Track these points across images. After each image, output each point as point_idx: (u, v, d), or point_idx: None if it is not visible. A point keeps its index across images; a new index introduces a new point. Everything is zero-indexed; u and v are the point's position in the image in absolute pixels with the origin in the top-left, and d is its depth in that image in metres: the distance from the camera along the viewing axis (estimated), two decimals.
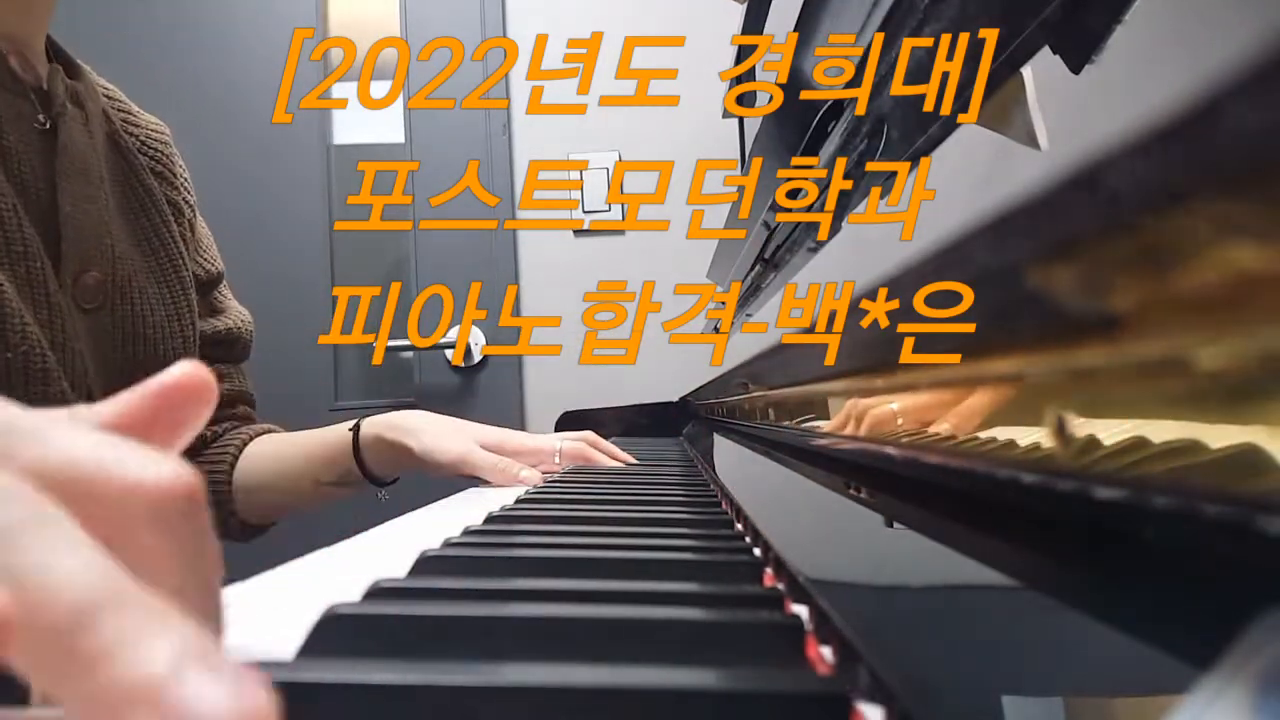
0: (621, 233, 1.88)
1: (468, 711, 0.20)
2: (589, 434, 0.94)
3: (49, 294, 0.63)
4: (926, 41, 0.39)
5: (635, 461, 0.93)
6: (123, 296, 0.72)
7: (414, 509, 0.64)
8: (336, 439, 0.84)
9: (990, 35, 0.29)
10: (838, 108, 0.54)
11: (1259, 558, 0.13)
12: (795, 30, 0.56)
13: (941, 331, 0.23)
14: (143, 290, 0.74)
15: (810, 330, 0.37)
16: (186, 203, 0.84)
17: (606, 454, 0.92)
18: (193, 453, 0.82)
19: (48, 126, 0.67)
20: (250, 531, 0.87)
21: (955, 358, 0.24)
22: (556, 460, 0.87)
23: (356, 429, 0.85)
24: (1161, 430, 0.14)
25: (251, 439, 0.87)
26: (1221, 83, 0.10)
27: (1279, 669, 0.11)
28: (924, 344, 0.26)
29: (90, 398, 0.64)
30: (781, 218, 0.70)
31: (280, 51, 1.90)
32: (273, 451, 0.85)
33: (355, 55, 1.96)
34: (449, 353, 1.86)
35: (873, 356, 0.33)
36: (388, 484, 0.87)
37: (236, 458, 0.84)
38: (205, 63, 1.87)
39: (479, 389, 1.86)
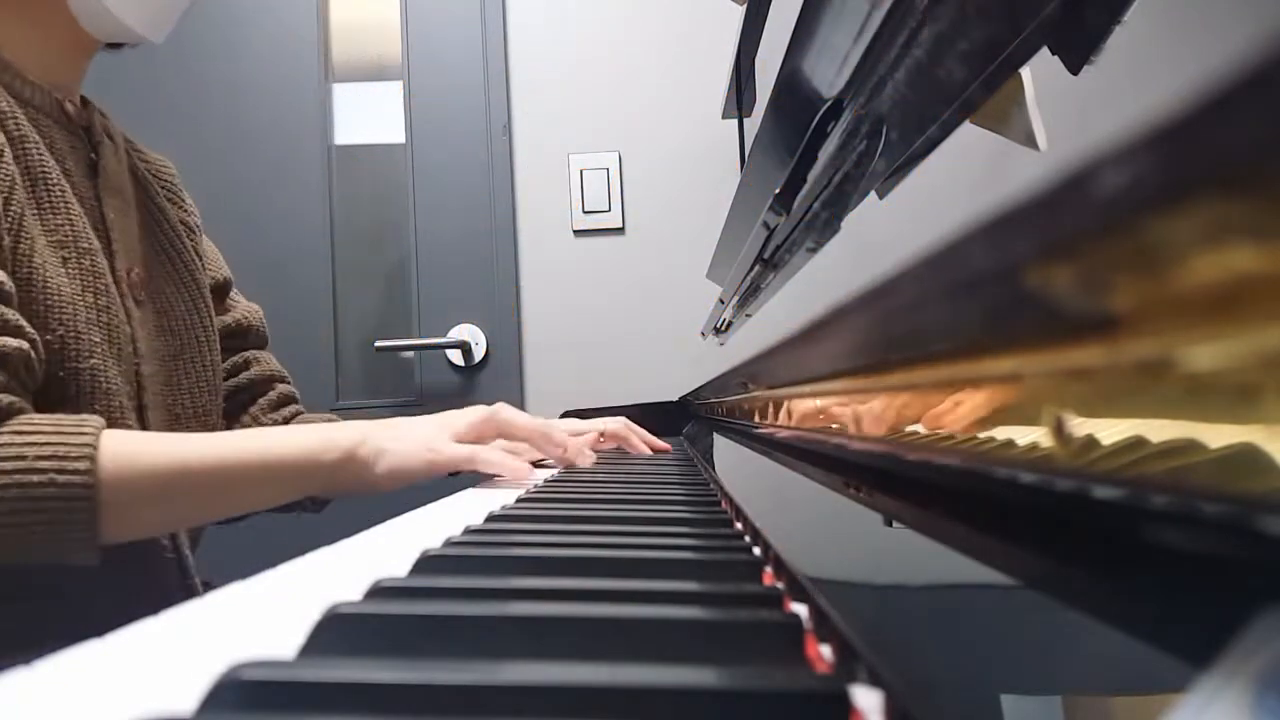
0: (621, 232, 1.88)
1: (469, 710, 0.20)
2: (624, 419, 1.13)
3: (107, 286, 0.78)
4: (926, 42, 0.39)
5: (667, 448, 1.11)
6: (150, 296, 0.87)
7: (414, 509, 0.64)
8: None
9: (990, 36, 0.30)
10: (837, 108, 0.54)
11: (1258, 557, 0.13)
12: (795, 30, 0.56)
13: (940, 331, 0.23)
14: (162, 292, 0.89)
15: (810, 330, 0.37)
16: (195, 226, 1.00)
17: (641, 439, 1.10)
18: None
19: (93, 156, 0.84)
20: (320, 504, 1.02)
21: (955, 357, 0.24)
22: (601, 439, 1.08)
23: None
24: (1160, 430, 0.14)
25: None
26: (1220, 83, 0.10)
27: (1278, 669, 0.11)
28: (923, 344, 0.26)
29: (138, 374, 0.81)
30: (781, 218, 0.70)
31: (281, 52, 1.90)
32: None
33: (356, 56, 1.96)
34: (449, 353, 1.87)
35: (872, 356, 0.33)
36: None
37: None
38: (206, 63, 1.87)
39: (479, 389, 1.86)
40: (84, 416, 0.66)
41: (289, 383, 1.07)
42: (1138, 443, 0.15)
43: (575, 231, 1.88)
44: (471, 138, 1.89)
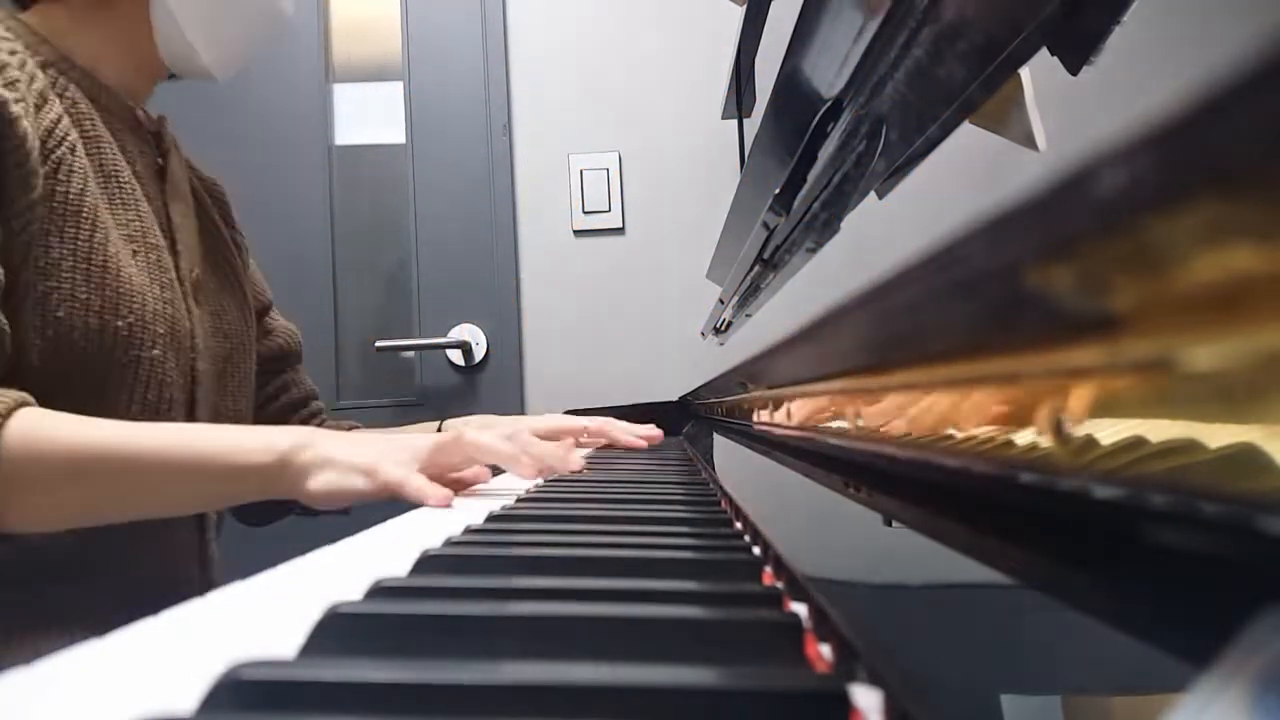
0: (621, 232, 1.88)
1: (469, 710, 0.20)
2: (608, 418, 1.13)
3: (172, 281, 0.81)
4: (925, 42, 0.39)
5: (656, 435, 1.11)
6: (207, 299, 0.90)
7: (415, 509, 0.64)
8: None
9: (989, 36, 0.30)
10: (836, 108, 0.54)
11: (1258, 557, 0.13)
12: (795, 30, 0.56)
13: (940, 332, 0.23)
14: (217, 296, 0.92)
15: (810, 330, 0.37)
16: (245, 247, 1.06)
17: (626, 430, 1.10)
18: None
19: (160, 162, 0.88)
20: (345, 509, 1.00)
21: (955, 358, 0.24)
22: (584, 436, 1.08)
23: (440, 428, 1.06)
24: (1160, 430, 0.14)
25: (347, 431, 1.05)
26: (1220, 83, 0.10)
27: (1278, 669, 0.11)
28: (923, 344, 0.26)
29: (194, 369, 0.83)
30: (781, 218, 0.70)
31: (281, 52, 1.90)
32: None
33: (356, 56, 1.96)
34: (450, 352, 1.87)
35: (872, 356, 0.33)
36: None
37: None
38: None
39: (479, 389, 1.86)
40: (6, 390, 0.63)
41: (318, 398, 1.12)
42: (1137, 443, 0.15)
43: (575, 231, 1.88)
44: (471, 138, 1.89)
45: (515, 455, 0.76)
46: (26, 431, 0.62)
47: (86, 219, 0.73)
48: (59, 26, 0.81)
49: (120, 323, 0.74)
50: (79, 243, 0.72)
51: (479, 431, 0.76)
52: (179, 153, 0.93)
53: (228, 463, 0.67)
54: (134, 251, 0.78)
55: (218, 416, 0.89)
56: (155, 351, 0.76)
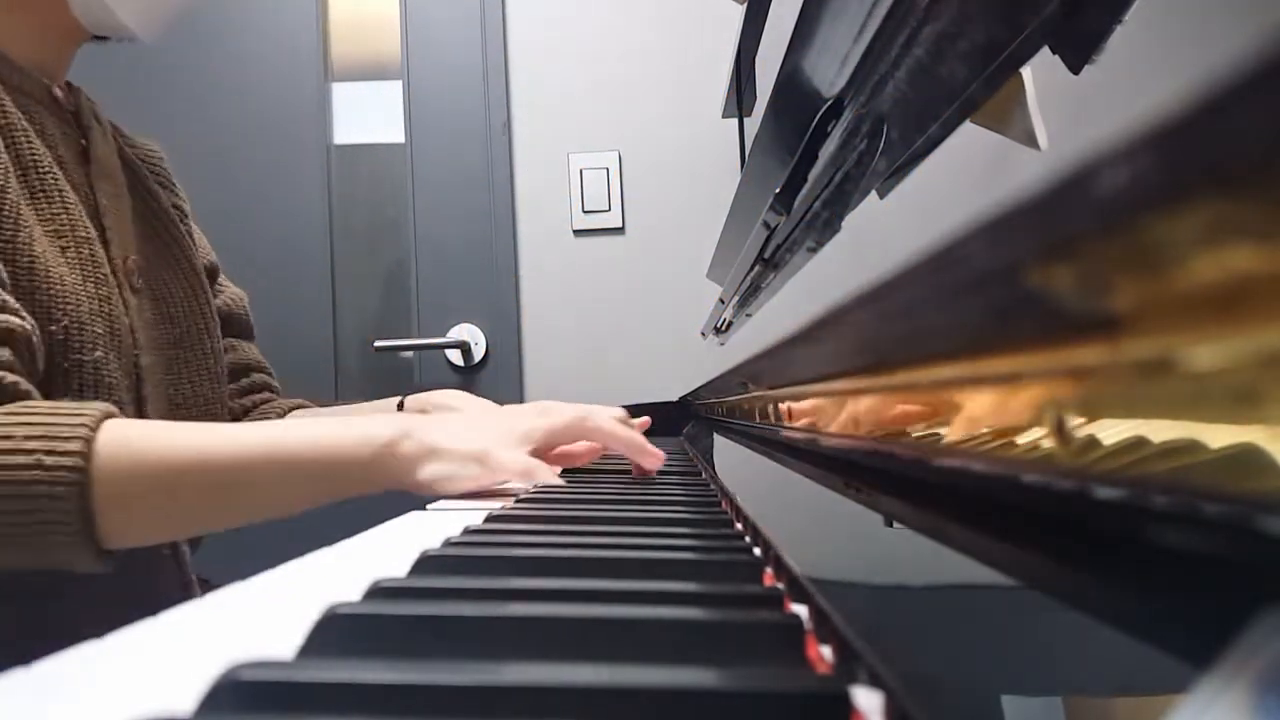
0: (621, 232, 1.88)
1: (468, 711, 0.20)
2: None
3: (106, 275, 0.76)
4: (926, 41, 0.39)
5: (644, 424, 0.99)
6: (147, 284, 0.85)
7: (413, 509, 0.64)
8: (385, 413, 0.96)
9: (991, 35, 0.29)
10: (837, 107, 0.54)
11: (1259, 558, 0.13)
12: (795, 30, 0.56)
13: (940, 331, 0.23)
14: (160, 279, 0.87)
15: (810, 330, 0.37)
16: (186, 211, 0.98)
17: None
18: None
19: (84, 142, 0.82)
20: None
21: (955, 357, 0.24)
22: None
23: (401, 405, 0.97)
24: (1161, 430, 0.14)
25: (288, 412, 0.99)
26: (1220, 83, 0.10)
27: (1279, 669, 0.11)
28: (923, 343, 0.26)
29: (137, 365, 0.79)
30: (781, 218, 0.70)
31: (280, 51, 1.90)
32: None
33: (355, 55, 1.96)
34: (449, 353, 1.86)
35: (872, 356, 0.33)
36: None
37: None
38: (205, 63, 1.87)
39: (479, 389, 1.86)
40: (88, 403, 0.61)
41: (268, 373, 1.04)
42: (1138, 443, 0.15)
43: (575, 231, 1.88)
44: (471, 137, 1.89)
45: (641, 446, 0.74)
46: (118, 447, 0.59)
47: (9, 218, 0.68)
48: None
49: (54, 327, 0.69)
50: (1, 244, 0.67)
51: (601, 418, 0.74)
52: (102, 125, 0.86)
53: (327, 460, 0.64)
54: (63, 248, 0.73)
55: (174, 407, 0.84)
56: (97, 353, 0.72)
